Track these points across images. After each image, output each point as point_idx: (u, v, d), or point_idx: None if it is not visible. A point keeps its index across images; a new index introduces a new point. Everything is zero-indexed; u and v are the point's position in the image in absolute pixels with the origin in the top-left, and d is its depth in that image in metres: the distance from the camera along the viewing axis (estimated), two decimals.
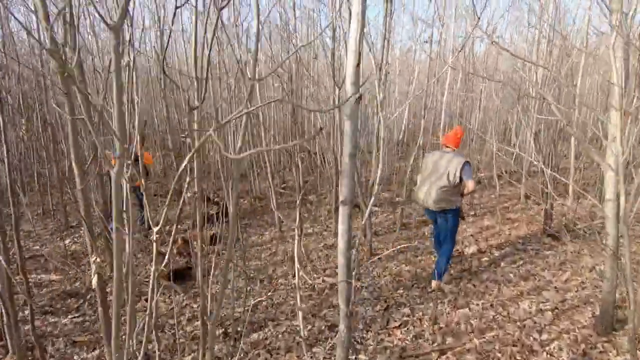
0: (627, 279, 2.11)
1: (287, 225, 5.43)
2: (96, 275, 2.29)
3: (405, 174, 5.29)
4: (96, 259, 2.27)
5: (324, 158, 6.18)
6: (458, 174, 3.26)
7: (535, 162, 2.75)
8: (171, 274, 3.34)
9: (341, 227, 1.64)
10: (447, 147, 3.53)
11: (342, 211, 1.60)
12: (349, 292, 1.70)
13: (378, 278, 3.82)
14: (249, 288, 3.72)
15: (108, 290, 2.48)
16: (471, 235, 4.90)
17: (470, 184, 3.33)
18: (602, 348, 2.68)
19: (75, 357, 2.73)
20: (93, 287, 2.83)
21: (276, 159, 8.08)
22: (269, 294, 3.56)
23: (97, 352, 2.80)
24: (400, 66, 8.90)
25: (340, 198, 1.59)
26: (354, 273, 1.81)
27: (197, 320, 3.15)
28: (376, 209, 6.26)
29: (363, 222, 2.03)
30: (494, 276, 3.75)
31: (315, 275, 3.88)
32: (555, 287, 3.49)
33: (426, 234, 5.00)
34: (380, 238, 4.91)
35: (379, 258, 4.24)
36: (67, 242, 4.91)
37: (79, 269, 4.15)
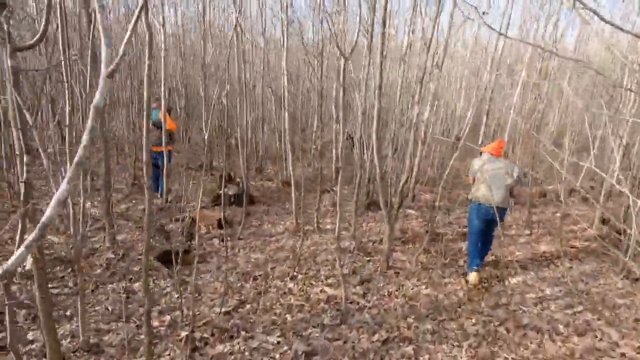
0: None
1: (306, 217, 4.94)
2: (33, 258, 1.97)
3: (458, 176, 4.48)
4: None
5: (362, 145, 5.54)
6: (515, 176, 3.45)
7: (616, 185, 1.92)
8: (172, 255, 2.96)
9: None
10: (492, 154, 3.55)
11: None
12: None
13: (387, 298, 3.18)
14: (239, 284, 3.32)
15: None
16: (518, 260, 4.00)
17: (524, 190, 3.08)
18: None
19: (29, 335, 2.52)
20: (27, 267, 2.58)
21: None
22: (257, 295, 3.12)
23: (66, 326, 2.56)
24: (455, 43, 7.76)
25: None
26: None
27: (168, 314, 2.82)
28: (412, 212, 5.52)
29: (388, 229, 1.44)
30: (537, 322, 2.92)
31: (314, 283, 3.35)
32: (623, 354, 2.59)
33: (463, 249, 4.20)
34: (405, 248, 4.21)
35: (396, 272, 3.58)
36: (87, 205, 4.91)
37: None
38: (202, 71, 5.98)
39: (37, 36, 1.37)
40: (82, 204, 2.33)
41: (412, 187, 5.66)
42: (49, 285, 3.04)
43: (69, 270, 3.34)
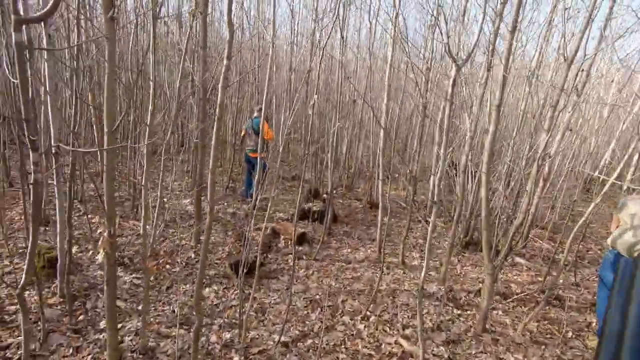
0: None
1: (390, 247, 4.45)
2: (104, 253, 1.98)
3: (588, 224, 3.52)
4: (106, 232, 1.96)
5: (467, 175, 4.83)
6: None
7: None
8: (240, 265, 2.81)
9: None
10: None
11: None
12: None
13: None
14: (304, 312, 3.02)
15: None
16: None
17: None
18: None
19: (102, 322, 2.61)
20: (98, 262, 2.64)
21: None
22: (321, 330, 2.77)
23: (134, 322, 2.60)
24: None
25: None
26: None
27: (228, 331, 2.66)
28: (522, 261, 4.56)
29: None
30: None
31: (388, 330, 2.86)
32: None
33: (593, 324, 3.21)
34: (509, 307, 3.40)
35: (494, 339, 2.86)
36: (186, 201, 5.27)
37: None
38: (306, 86, 6.04)
39: (49, 6, 1.17)
40: (157, 202, 2.31)
41: (526, 231, 4.70)
42: (133, 276, 3.19)
43: (154, 262, 3.49)
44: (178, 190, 5.80)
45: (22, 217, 4.01)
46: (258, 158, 4.64)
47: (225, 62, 1.53)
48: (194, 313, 2.68)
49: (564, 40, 2.96)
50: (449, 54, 1.48)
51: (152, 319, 2.66)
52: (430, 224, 1.78)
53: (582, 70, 2.80)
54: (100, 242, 1.95)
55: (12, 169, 5.05)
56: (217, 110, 1.55)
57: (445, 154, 1.69)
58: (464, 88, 3.38)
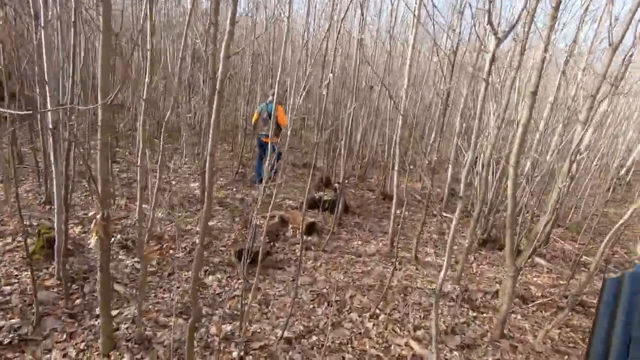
0: None
1: (403, 241, 4.25)
2: (97, 237, 1.84)
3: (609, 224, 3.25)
4: (100, 214, 1.82)
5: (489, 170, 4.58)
6: None
7: None
8: (245, 254, 2.63)
9: None
10: None
11: None
12: None
13: None
14: (311, 306, 2.87)
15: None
16: None
17: None
18: None
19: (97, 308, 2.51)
20: (91, 247, 2.51)
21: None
22: (327, 327, 2.61)
23: (132, 308, 2.50)
24: None
25: None
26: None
27: (229, 323, 2.52)
28: (542, 262, 4.31)
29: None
30: None
31: (398, 330, 2.68)
32: None
33: None
34: (528, 312, 3.19)
35: (512, 346, 2.66)
36: (194, 185, 5.15)
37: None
38: (322, 69, 5.79)
39: None
40: (156, 185, 2.16)
41: (548, 230, 4.43)
42: (135, 259, 3.08)
43: (157, 246, 3.38)
44: (188, 173, 5.69)
45: (29, 194, 3.95)
46: (269, 143, 4.52)
47: (228, 27, 1.33)
48: (190, 307, 2.55)
49: (611, 23, 2.65)
50: (490, 23, 1.25)
51: (150, 307, 2.55)
52: (454, 221, 1.58)
53: (631, 55, 2.50)
54: (92, 225, 1.82)
55: (21, 145, 5.00)
56: (218, 83, 1.36)
57: (476, 142, 1.47)
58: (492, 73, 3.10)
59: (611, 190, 8.44)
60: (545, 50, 2.00)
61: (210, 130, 1.42)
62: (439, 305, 2.50)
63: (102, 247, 1.92)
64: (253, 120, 5.57)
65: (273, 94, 5.26)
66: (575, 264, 3.77)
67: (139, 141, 1.68)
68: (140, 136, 1.68)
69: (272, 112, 4.78)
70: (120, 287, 2.69)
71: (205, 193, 1.51)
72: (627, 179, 9.78)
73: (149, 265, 3.10)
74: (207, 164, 1.49)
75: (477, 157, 5.20)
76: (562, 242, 5.08)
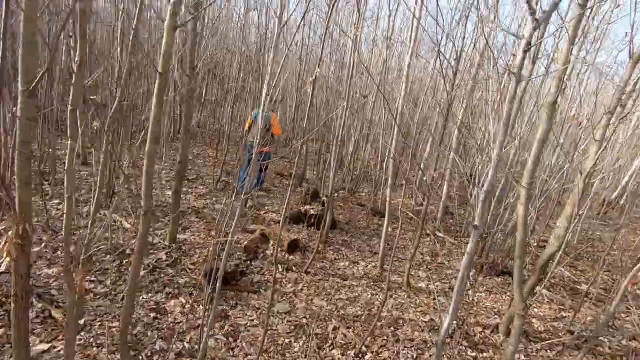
0: None
1: (394, 264, 3.89)
2: (7, 258, 1.44)
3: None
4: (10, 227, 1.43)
5: None
6: None
7: None
8: (214, 275, 2.24)
9: None
10: None
11: None
12: None
13: None
14: (286, 340, 2.47)
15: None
16: None
17: None
18: None
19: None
20: (1, 269, 2.10)
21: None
22: None
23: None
24: None
25: None
26: None
27: (192, 357, 2.11)
28: (543, 291, 3.98)
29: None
30: None
31: None
32: None
33: None
34: (532, 349, 2.83)
35: None
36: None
37: None
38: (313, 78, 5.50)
39: None
40: (96, 191, 1.77)
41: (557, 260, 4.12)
42: (88, 278, 2.66)
43: (114, 262, 2.96)
44: (165, 180, 5.28)
45: None
46: (262, 152, 4.16)
47: None
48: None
49: (631, 33, 2.38)
50: (528, 2, 0.93)
51: (92, 339, 2.12)
52: (465, 259, 1.23)
53: None
54: (2, 245, 1.42)
55: None
56: (160, 62, 1.00)
57: (499, 154, 1.14)
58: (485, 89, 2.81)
59: (598, 213, 8.25)
60: (569, 52, 1.69)
61: (150, 122, 1.05)
62: (435, 345, 2.14)
63: (16, 272, 1.52)
64: (246, 126, 5.24)
65: (268, 102, 4.94)
66: (583, 298, 3.45)
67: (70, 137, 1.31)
68: (70, 130, 1.31)
69: (264, 120, 4.44)
70: (59, 314, 2.26)
71: (142, 210, 1.13)
72: (621, 202, 9.62)
73: (102, 285, 2.68)
74: (144, 168, 1.11)
75: (471, 175, 4.91)
76: (562, 268, 4.78)
